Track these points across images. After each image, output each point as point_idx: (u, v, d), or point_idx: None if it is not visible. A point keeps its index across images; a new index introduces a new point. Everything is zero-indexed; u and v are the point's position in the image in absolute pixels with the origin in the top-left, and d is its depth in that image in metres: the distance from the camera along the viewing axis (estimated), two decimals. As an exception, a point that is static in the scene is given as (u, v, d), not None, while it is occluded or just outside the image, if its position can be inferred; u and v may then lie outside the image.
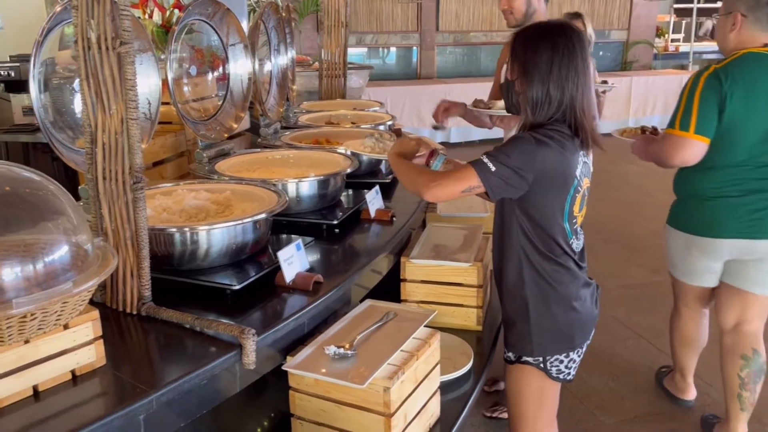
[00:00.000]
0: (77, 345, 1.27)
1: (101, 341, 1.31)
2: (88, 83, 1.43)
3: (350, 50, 4.03)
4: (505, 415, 2.69)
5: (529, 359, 1.82)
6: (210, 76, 2.52)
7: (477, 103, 2.76)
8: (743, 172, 2.31)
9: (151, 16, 2.76)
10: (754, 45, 2.30)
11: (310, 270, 1.77)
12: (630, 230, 5.09)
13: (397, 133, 3.03)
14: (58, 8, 1.69)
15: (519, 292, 1.80)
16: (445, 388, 1.81)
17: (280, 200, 1.84)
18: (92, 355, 1.29)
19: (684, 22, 10.86)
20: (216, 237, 1.66)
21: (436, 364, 1.69)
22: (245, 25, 3.89)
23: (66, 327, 1.24)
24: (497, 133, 3.15)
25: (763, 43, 2.31)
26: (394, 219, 2.26)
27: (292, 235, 1.96)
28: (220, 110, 2.51)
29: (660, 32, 10.41)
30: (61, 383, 1.25)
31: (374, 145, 2.31)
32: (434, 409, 1.72)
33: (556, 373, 1.82)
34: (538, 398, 1.87)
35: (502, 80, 2.78)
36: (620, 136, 2.77)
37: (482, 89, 3.18)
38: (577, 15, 3.55)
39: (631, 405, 2.88)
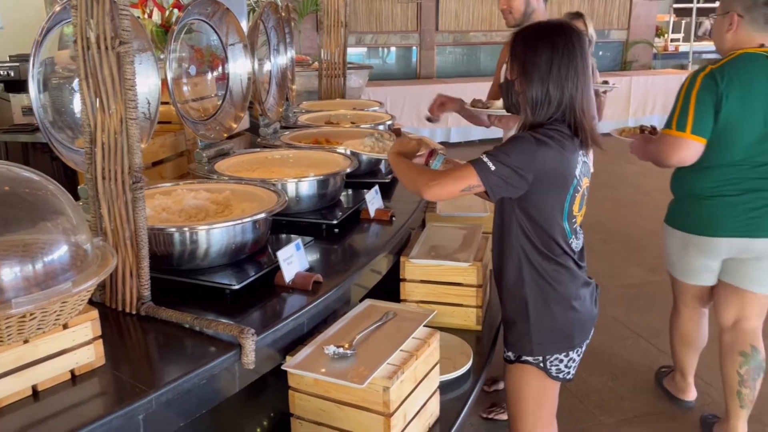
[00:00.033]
0: (76, 345, 1.27)
1: (100, 341, 1.31)
2: (88, 83, 1.43)
3: (350, 50, 4.02)
4: (501, 417, 2.69)
5: (529, 358, 1.82)
6: (209, 75, 2.52)
7: (475, 102, 2.76)
8: (740, 171, 2.32)
9: (150, 16, 2.76)
10: (751, 45, 2.31)
11: (310, 270, 1.77)
12: (629, 230, 5.09)
13: (397, 132, 3.03)
14: (57, 8, 1.69)
15: (519, 292, 1.80)
16: (444, 387, 1.81)
17: (280, 200, 1.84)
18: (91, 355, 1.29)
19: (684, 21, 10.86)
20: (215, 237, 1.66)
21: (436, 364, 1.69)
22: (245, 25, 3.89)
23: (65, 327, 1.24)
24: (497, 132, 3.15)
25: (759, 44, 2.31)
26: (393, 219, 2.26)
27: (292, 235, 1.96)
28: (220, 110, 2.51)
29: (659, 32, 10.41)
30: (60, 383, 1.25)
31: (374, 145, 2.31)
32: (434, 409, 1.72)
33: (556, 373, 1.82)
34: (538, 397, 1.87)
35: (502, 80, 2.78)
36: (619, 136, 2.78)
37: (482, 89, 3.18)
38: (578, 15, 3.55)
39: (631, 405, 2.88)
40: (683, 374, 2.83)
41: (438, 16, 8.96)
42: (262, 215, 1.74)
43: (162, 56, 2.20)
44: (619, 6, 9.56)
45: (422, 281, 2.14)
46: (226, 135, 2.49)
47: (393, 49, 9.17)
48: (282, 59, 3.13)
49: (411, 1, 8.82)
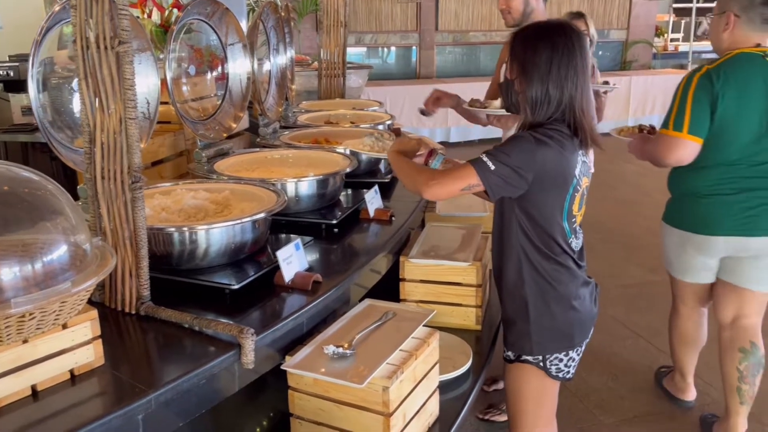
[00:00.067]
0: (76, 345, 1.26)
1: (100, 341, 1.31)
2: (87, 83, 1.43)
3: (349, 50, 4.03)
4: (497, 418, 2.68)
5: (529, 358, 1.82)
6: (209, 75, 2.52)
7: (473, 102, 2.76)
8: (737, 170, 2.33)
9: (149, 16, 2.76)
10: (747, 45, 2.32)
11: (309, 269, 1.77)
12: (629, 230, 5.09)
13: (396, 132, 3.03)
14: (56, 7, 1.69)
15: (518, 291, 1.81)
16: (444, 387, 1.81)
17: (279, 200, 1.84)
18: (91, 355, 1.29)
19: (683, 21, 10.86)
20: (215, 236, 1.66)
21: (435, 364, 1.69)
22: (244, 25, 3.89)
23: (64, 327, 1.24)
24: (496, 132, 3.15)
25: (755, 44, 2.32)
26: (393, 218, 2.26)
27: (291, 235, 1.96)
28: (219, 110, 2.51)
29: (659, 32, 10.41)
30: (59, 383, 1.25)
31: (373, 144, 2.31)
32: (433, 409, 1.72)
33: (556, 372, 1.83)
34: (538, 397, 1.87)
35: (502, 80, 2.78)
36: (618, 135, 2.78)
37: (481, 89, 3.17)
38: (580, 15, 3.54)
39: (630, 404, 2.88)
40: (683, 374, 2.83)
41: (438, 16, 8.96)
42: (262, 215, 1.74)
43: (161, 56, 2.20)
44: (618, 6, 9.56)
45: (422, 281, 2.14)
46: (225, 135, 2.49)
47: (393, 48, 9.17)
48: (281, 59, 3.13)
49: (410, 1, 8.82)
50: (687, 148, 2.32)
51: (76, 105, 1.76)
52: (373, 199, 2.27)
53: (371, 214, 2.24)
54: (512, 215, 1.77)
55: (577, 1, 9.15)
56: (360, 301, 1.83)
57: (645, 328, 3.53)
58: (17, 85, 4.08)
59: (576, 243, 1.81)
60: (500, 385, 2.83)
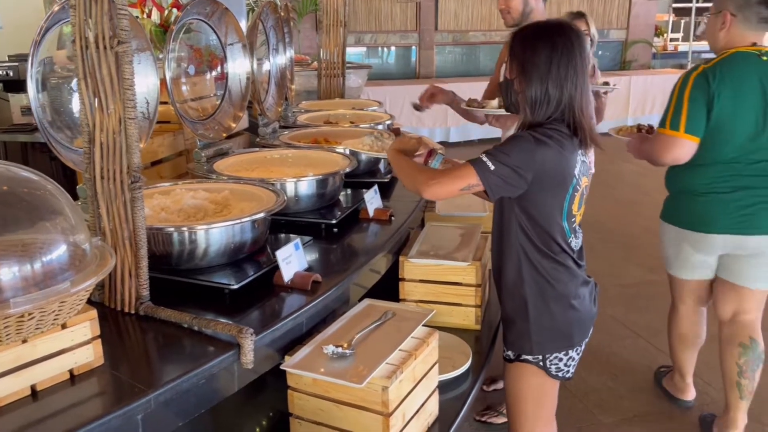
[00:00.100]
0: (75, 344, 1.26)
1: (99, 341, 1.31)
2: (86, 83, 1.43)
3: (349, 50, 4.03)
4: (495, 420, 2.68)
5: (529, 357, 1.82)
6: (208, 75, 2.52)
7: (471, 102, 2.76)
8: (733, 168, 2.34)
9: (149, 16, 2.76)
10: (743, 44, 2.33)
11: (309, 269, 1.77)
12: (628, 229, 5.09)
13: (396, 132, 3.03)
14: (56, 7, 1.69)
15: (518, 291, 1.81)
16: (443, 387, 1.82)
17: (279, 200, 1.84)
18: (90, 355, 1.29)
19: (683, 21, 10.87)
20: (214, 236, 1.66)
21: (435, 364, 1.69)
22: (244, 25, 3.89)
23: (64, 326, 1.24)
24: (496, 132, 3.14)
25: (751, 43, 2.33)
26: (392, 218, 2.26)
27: (291, 235, 1.96)
28: (219, 110, 2.51)
29: (659, 31, 10.41)
30: (59, 383, 1.25)
31: (373, 144, 2.31)
32: (432, 409, 1.72)
33: (556, 371, 1.83)
34: (538, 396, 1.87)
35: (501, 80, 2.78)
36: (616, 135, 2.79)
37: (481, 88, 3.17)
38: (580, 14, 3.54)
39: (630, 404, 2.88)
40: (682, 374, 2.83)
41: (437, 16, 8.96)
42: (261, 215, 1.74)
43: (161, 56, 2.20)
44: (618, 5, 9.56)
45: (421, 281, 2.14)
46: (225, 135, 2.49)
47: (392, 48, 9.17)
48: (281, 59, 3.13)
49: (410, 1, 8.82)
50: (684, 147, 2.33)
51: (76, 105, 1.76)
52: (372, 199, 2.27)
53: (371, 213, 2.25)
54: (512, 215, 1.77)
55: (576, 1, 9.15)
56: (359, 300, 1.83)
57: (644, 328, 3.53)
58: (17, 85, 4.08)
59: (575, 242, 1.82)
60: (500, 385, 2.83)
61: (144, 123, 1.99)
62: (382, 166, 2.75)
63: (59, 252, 1.22)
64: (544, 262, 1.76)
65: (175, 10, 2.74)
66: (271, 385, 1.67)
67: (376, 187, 2.35)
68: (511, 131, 2.28)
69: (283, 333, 1.54)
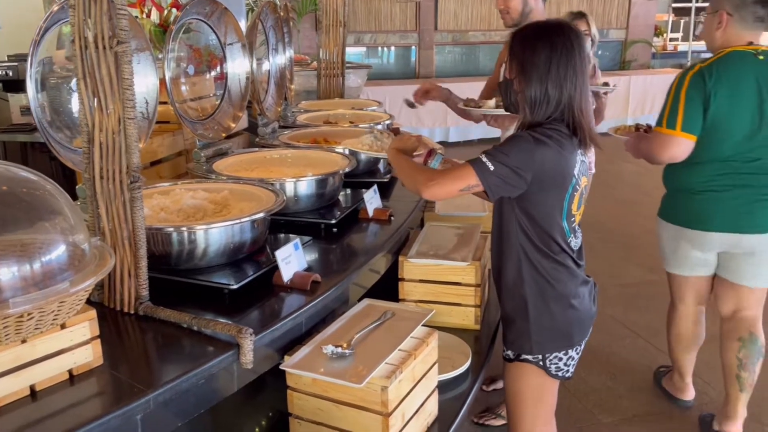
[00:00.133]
0: (74, 344, 1.26)
1: (98, 341, 1.31)
2: (86, 82, 1.43)
3: (349, 49, 4.03)
4: (493, 422, 2.67)
5: (528, 357, 1.82)
6: (208, 75, 2.52)
7: (468, 102, 2.77)
8: (730, 167, 2.35)
9: (148, 16, 2.76)
10: (740, 43, 2.34)
11: (308, 269, 1.77)
12: (628, 229, 5.09)
13: (396, 132, 3.03)
14: (55, 7, 1.69)
15: (518, 290, 1.81)
16: (443, 387, 1.81)
17: (278, 200, 1.84)
18: (89, 355, 1.29)
19: (682, 21, 10.88)
20: (213, 236, 1.66)
21: (434, 363, 1.69)
22: (243, 25, 3.88)
23: (63, 326, 1.24)
24: (495, 132, 3.15)
25: (748, 42, 2.34)
26: (392, 218, 2.26)
27: (290, 235, 1.96)
28: (218, 110, 2.50)
29: (658, 31, 10.42)
30: (58, 383, 1.25)
31: (372, 144, 2.30)
32: (432, 409, 1.72)
33: (555, 371, 1.83)
34: (537, 396, 1.87)
35: (501, 80, 2.78)
36: (614, 134, 2.79)
37: (481, 88, 3.17)
38: (581, 14, 3.54)
39: (629, 404, 2.88)
40: (681, 374, 2.84)
41: (437, 16, 8.96)
42: (261, 215, 1.74)
43: (160, 56, 2.20)
44: (617, 5, 9.56)
45: (421, 281, 2.14)
46: (224, 135, 2.48)
47: (392, 48, 9.17)
48: (280, 59, 3.13)
49: (410, 1, 8.82)
50: (680, 146, 2.34)
51: (75, 105, 1.76)
52: (372, 199, 2.27)
53: (370, 213, 2.24)
54: (511, 215, 1.77)
55: (576, 1, 9.15)
56: (359, 300, 1.83)
57: (644, 328, 3.53)
58: (16, 84, 4.08)
59: (575, 242, 1.82)
60: (499, 385, 2.83)
61: (143, 123, 1.99)
62: (381, 166, 2.75)
63: (58, 252, 1.22)
64: (544, 262, 1.76)
65: (174, 10, 2.74)
66: (270, 385, 1.67)
67: (375, 187, 2.35)
68: (510, 131, 2.29)
69: (283, 333, 1.54)
